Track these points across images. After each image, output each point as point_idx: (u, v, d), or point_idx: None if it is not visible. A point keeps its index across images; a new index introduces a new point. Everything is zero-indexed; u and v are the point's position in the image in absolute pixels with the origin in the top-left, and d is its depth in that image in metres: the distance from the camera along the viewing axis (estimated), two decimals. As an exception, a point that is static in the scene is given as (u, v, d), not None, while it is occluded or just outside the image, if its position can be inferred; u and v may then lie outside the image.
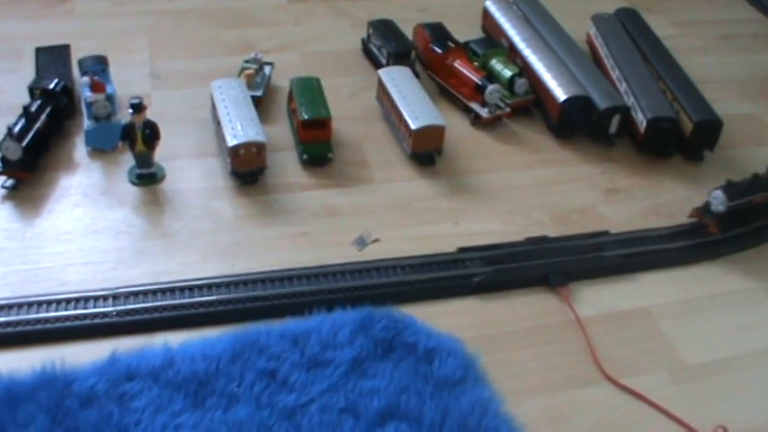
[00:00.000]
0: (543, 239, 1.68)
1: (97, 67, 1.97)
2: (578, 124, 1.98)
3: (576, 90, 1.96)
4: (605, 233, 1.72)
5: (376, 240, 1.66)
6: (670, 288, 1.62)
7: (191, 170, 1.81)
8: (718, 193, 1.69)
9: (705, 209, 1.72)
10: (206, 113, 1.94)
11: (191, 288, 1.51)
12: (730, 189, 1.69)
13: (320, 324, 1.43)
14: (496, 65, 2.08)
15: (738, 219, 1.71)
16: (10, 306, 1.44)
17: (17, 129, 1.70)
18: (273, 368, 1.35)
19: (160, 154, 1.78)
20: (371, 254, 1.63)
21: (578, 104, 1.95)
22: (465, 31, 2.26)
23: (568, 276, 1.60)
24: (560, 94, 1.95)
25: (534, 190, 1.84)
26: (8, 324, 1.41)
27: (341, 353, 1.38)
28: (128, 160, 1.79)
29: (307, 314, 1.46)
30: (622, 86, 2.03)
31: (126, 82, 2.02)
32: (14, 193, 1.71)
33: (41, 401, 1.27)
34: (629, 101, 1.98)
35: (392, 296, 1.52)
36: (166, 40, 2.26)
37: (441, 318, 1.49)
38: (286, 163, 1.84)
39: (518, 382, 1.40)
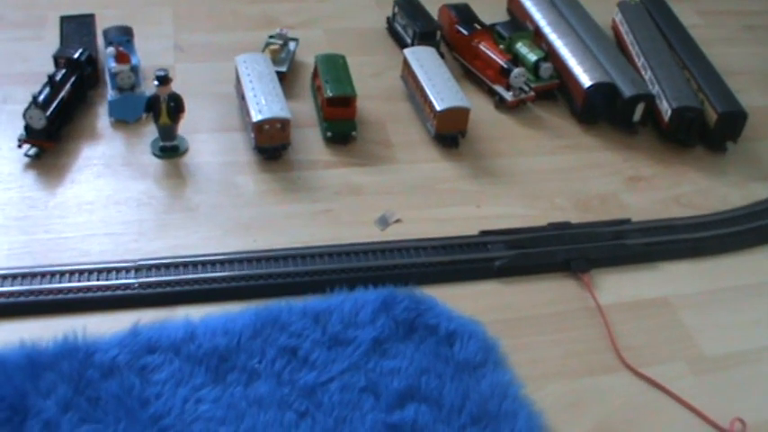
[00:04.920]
0: (565, 225, 1.68)
1: (122, 37, 1.97)
2: (602, 111, 1.97)
3: (601, 76, 1.95)
4: (627, 221, 1.71)
5: (398, 221, 1.66)
6: (691, 279, 1.62)
7: (213, 144, 1.81)
8: None
9: None
10: (229, 88, 1.94)
11: (212, 263, 1.51)
12: None
13: (342, 303, 1.43)
14: (522, 48, 2.07)
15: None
16: (33, 275, 1.44)
17: (42, 97, 1.70)
18: (294, 345, 1.35)
19: (183, 127, 1.77)
20: (393, 234, 1.62)
21: (603, 91, 1.94)
22: (490, 13, 2.25)
23: (590, 263, 1.60)
24: (585, 80, 1.94)
25: (557, 175, 1.83)
26: (31, 293, 1.41)
27: (362, 332, 1.38)
28: (150, 132, 1.79)
29: (328, 292, 1.46)
30: (647, 74, 2.02)
31: (149, 54, 2.01)
32: (37, 162, 1.71)
33: (63, 371, 1.27)
34: (654, 89, 1.97)
35: (414, 277, 1.52)
36: (190, 12, 2.25)
37: (462, 300, 1.48)
38: (309, 140, 1.84)
39: (538, 368, 1.40)
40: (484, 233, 1.64)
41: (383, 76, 2.08)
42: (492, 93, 2.02)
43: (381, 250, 1.56)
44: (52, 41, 1.99)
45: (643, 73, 2.04)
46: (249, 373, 1.31)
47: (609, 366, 1.42)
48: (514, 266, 1.57)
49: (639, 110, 1.94)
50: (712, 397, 1.39)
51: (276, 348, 1.35)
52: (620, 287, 1.58)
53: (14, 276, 1.44)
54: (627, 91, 1.93)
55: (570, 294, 1.55)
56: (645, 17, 2.24)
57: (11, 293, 1.41)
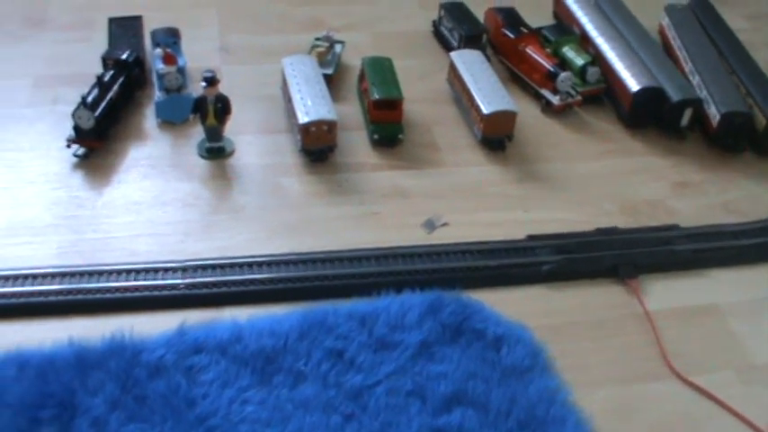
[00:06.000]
0: (613, 230, 1.66)
1: (169, 39, 1.98)
2: (650, 115, 1.95)
3: (648, 81, 1.93)
4: (675, 227, 1.69)
5: (445, 224, 1.65)
6: (740, 286, 1.60)
7: (259, 146, 1.81)
8: None
9: None
10: (275, 89, 1.94)
11: (258, 264, 1.51)
12: None
13: (388, 305, 1.42)
14: (568, 52, 2.05)
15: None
16: (81, 273, 1.46)
17: (90, 98, 1.71)
18: (341, 348, 1.35)
19: (229, 128, 1.78)
20: (440, 237, 1.62)
21: (650, 96, 1.92)
22: (536, 16, 2.23)
23: (638, 269, 1.58)
24: (633, 85, 1.92)
25: (604, 180, 1.82)
26: (79, 291, 1.43)
27: (409, 335, 1.38)
28: (196, 133, 1.79)
29: (375, 295, 1.46)
30: (695, 79, 2.00)
31: (195, 55, 2.01)
32: (85, 162, 1.72)
33: (111, 370, 1.28)
34: (702, 94, 1.95)
35: (461, 281, 1.51)
36: (236, 15, 2.26)
37: (509, 305, 1.48)
38: (356, 142, 1.84)
39: (585, 374, 1.39)
40: (531, 237, 1.63)
41: (429, 79, 2.07)
42: (538, 97, 2.00)
43: (428, 253, 1.56)
44: (100, 43, 2.00)
45: (691, 78, 2.02)
46: (295, 375, 1.31)
47: (657, 374, 1.41)
48: (562, 271, 1.56)
49: (687, 115, 1.92)
50: (762, 407, 1.37)
51: (322, 350, 1.34)
52: (668, 294, 1.56)
53: (63, 275, 1.45)
54: (674, 96, 1.91)
55: (618, 300, 1.54)
56: (692, 21, 2.22)
57: (60, 292, 1.43)
